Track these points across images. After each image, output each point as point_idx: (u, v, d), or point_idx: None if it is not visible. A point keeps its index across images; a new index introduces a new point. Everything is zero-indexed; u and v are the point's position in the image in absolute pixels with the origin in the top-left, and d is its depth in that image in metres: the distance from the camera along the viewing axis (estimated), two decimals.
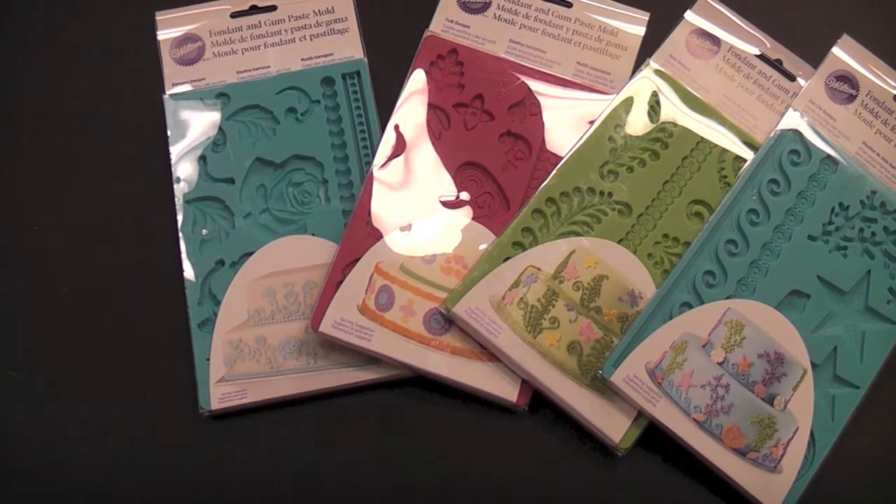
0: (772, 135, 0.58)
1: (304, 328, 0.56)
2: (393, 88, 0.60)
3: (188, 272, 0.57)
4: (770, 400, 0.53)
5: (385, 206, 0.57)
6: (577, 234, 0.56)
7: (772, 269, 0.55)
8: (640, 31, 0.62)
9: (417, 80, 0.60)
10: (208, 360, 0.56)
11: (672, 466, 0.55)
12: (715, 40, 0.61)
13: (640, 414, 0.53)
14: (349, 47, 0.62)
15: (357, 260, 0.56)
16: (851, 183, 0.57)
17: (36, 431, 0.56)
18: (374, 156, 0.58)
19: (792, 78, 0.60)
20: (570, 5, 0.62)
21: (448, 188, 0.58)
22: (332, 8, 0.63)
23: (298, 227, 0.58)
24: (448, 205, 0.58)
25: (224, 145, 0.59)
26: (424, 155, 0.59)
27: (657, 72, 0.60)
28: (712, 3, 0.62)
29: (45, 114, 0.63)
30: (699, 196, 0.57)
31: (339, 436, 0.56)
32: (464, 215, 0.58)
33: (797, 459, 0.53)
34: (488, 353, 0.55)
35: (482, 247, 0.57)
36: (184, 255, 0.57)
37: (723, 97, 0.60)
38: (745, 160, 0.58)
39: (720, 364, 0.53)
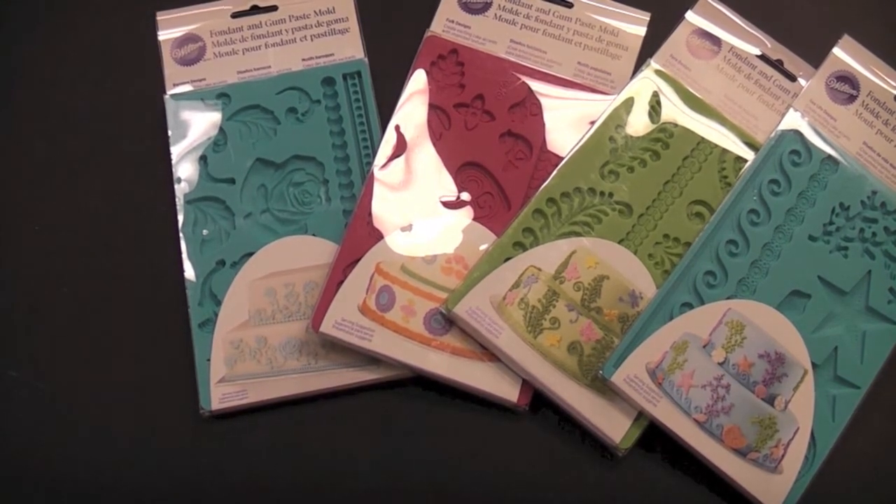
0: (772, 135, 0.58)
1: (305, 328, 0.56)
2: (394, 88, 0.60)
3: (189, 272, 0.57)
4: (771, 400, 0.53)
5: (386, 206, 0.57)
6: (578, 234, 0.56)
7: (772, 269, 0.55)
8: (641, 31, 0.62)
9: (418, 81, 0.60)
10: (209, 360, 0.56)
11: (672, 466, 0.55)
12: (716, 40, 0.61)
13: (641, 414, 0.53)
14: (350, 47, 0.62)
15: (358, 260, 0.56)
16: (852, 183, 0.57)
17: (36, 431, 0.56)
18: (374, 156, 0.58)
19: (793, 78, 0.60)
20: (570, 5, 0.62)
21: (449, 188, 0.58)
22: (333, 8, 0.63)
23: (299, 228, 0.58)
24: (449, 205, 0.58)
25: (225, 145, 0.59)
26: (425, 155, 0.58)
27: (658, 72, 0.60)
28: (713, 3, 0.62)
29: (45, 113, 0.63)
30: (700, 196, 0.57)
31: (339, 436, 0.56)
32: (464, 215, 0.58)
33: (798, 460, 0.53)
34: (489, 353, 0.55)
35: (483, 247, 0.57)
36: (184, 256, 0.57)
37: (723, 97, 0.60)
38: (745, 160, 0.58)
39: (721, 364, 0.53)
